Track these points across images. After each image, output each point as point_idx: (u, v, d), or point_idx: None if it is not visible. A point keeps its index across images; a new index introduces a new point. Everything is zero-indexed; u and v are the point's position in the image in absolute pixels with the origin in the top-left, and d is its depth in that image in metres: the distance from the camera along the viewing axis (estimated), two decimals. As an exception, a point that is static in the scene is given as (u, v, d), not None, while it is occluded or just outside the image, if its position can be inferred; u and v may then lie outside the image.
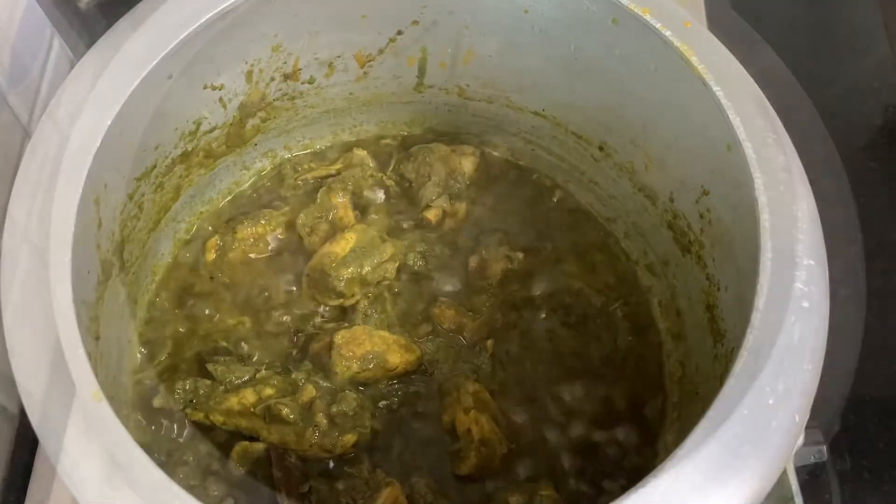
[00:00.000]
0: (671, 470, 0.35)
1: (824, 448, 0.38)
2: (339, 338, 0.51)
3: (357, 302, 0.54)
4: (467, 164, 0.60)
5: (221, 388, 0.51)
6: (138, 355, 0.53)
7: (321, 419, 0.49)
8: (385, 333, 0.52)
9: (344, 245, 0.54)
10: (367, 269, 0.54)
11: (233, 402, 0.50)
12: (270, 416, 0.49)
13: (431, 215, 0.57)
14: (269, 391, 0.50)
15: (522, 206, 0.60)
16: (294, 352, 0.53)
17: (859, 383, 0.39)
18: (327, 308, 0.55)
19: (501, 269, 0.56)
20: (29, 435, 0.58)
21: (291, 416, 0.49)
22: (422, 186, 0.58)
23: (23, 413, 0.59)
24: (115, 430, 0.35)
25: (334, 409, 0.49)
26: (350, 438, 0.49)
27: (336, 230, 0.56)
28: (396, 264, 0.55)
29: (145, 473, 0.35)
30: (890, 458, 0.59)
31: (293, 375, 0.51)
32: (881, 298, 0.43)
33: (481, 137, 0.62)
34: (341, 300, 0.54)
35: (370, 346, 0.51)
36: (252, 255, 0.57)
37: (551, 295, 0.56)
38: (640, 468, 0.49)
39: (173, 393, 0.50)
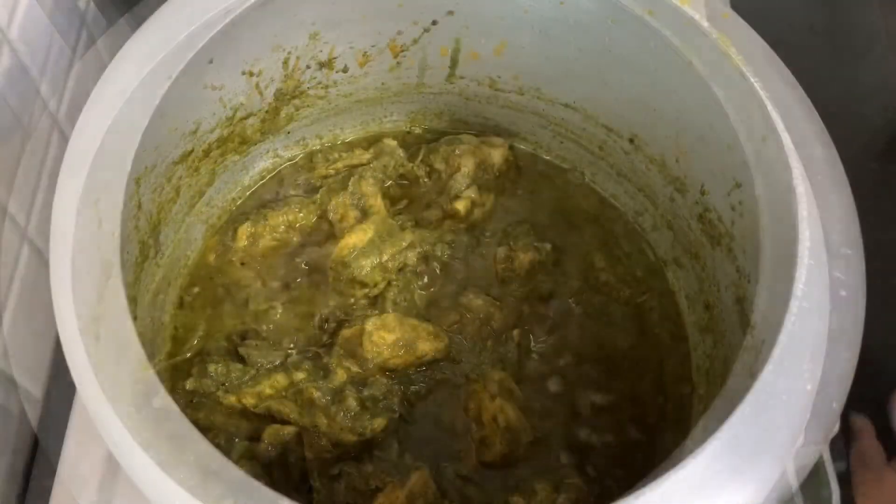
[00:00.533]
0: (711, 453, 0.35)
1: (824, 448, 0.38)
2: (369, 325, 0.51)
3: (382, 291, 0.54)
4: (497, 156, 0.60)
5: (253, 371, 0.51)
6: (170, 339, 0.54)
7: (351, 403, 0.49)
8: (414, 321, 0.53)
9: (362, 236, 0.55)
10: (385, 257, 0.54)
11: (264, 385, 0.50)
12: (302, 399, 0.49)
13: (461, 206, 0.58)
14: (300, 375, 0.50)
15: (548, 198, 0.61)
16: (325, 337, 0.53)
17: (858, 383, 0.39)
18: (354, 297, 0.55)
19: (529, 261, 0.56)
20: (29, 435, 0.58)
21: (323, 400, 0.49)
22: (451, 177, 0.59)
23: (23, 413, 0.59)
24: (165, 403, 0.36)
25: (365, 393, 0.50)
26: (380, 422, 0.49)
27: (366, 218, 0.57)
28: (417, 251, 0.56)
29: (146, 473, 0.35)
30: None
31: (324, 360, 0.51)
32: (880, 299, 0.43)
33: (512, 128, 0.63)
34: (366, 290, 0.54)
35: (400, 333, 0.52)
36: (283, 242, 0.57)
37: (577, 287, 0.57)
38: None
39: (206, 376, 0.51)
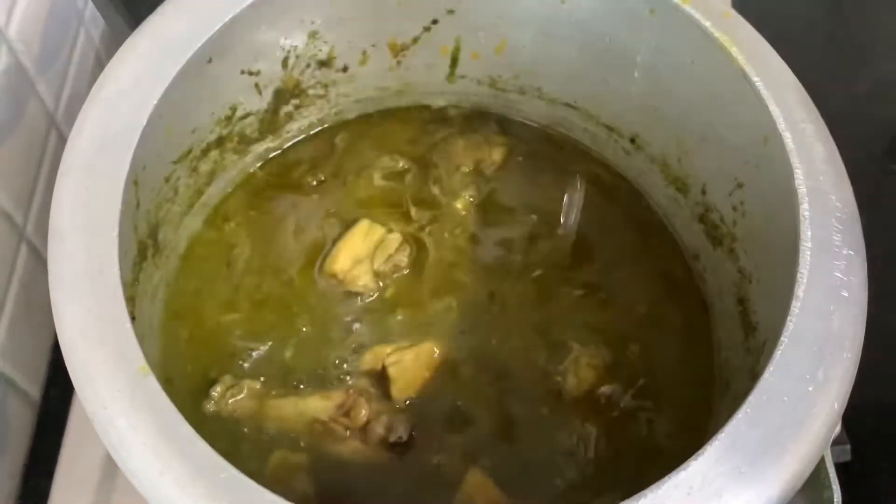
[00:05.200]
0: (712, 454, 0.35)
1: (825, 449, 0.38)
2: (390, 366, 0.50)
3: (380, 294, 0.54)
4: (496, 154, 0.60)
5: (265, 388, 0.50)
6: (167, 343, 0.52)
7: (377, 429, 0.49)
8: (427, 346, 0.52)
9: (351, 246, 0.54)
10: (377, 263, 0.54)
11: (285, 408, 0.49)
12: (325, 429, 0.49)
13: (460, 205, 0.58)
14: (318, 403, 0.49)
15: (551, 197, 0.60)
16: (343, 365, 0.52)
17: (858, 384, 0.39)
18: (351, 308, 0.54)
19: (519, 236, 0.56)
20: (49, 421, 0.58)
21: (346, 434, 0.48)
22: (450, 176, 0.59)
23: (44, 399, 0.59)
24: (163, 405, 0.36)
25: (389, 422, 0.49)
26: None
27: (357, 221, 0.56)
28: (407, 252, 0.55)
29: (144, 474, 0.35)
30: (888, 457, 0.59)
31: (342, 389, 0.50)
32: (881, 299, 0.44)
33: (511, 127, 0.62)
34: (360, 296, 0.54)
35: (418, 364, 0.51)
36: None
37: (579, 286, 0.56)
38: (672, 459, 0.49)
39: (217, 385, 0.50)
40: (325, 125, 0.61)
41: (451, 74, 0.60)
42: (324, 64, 0.56)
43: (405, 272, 0.55)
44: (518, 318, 0.54)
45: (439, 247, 0.56)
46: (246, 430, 0.49)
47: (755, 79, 0.45)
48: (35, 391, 0.59)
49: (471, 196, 0.58)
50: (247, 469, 0.35)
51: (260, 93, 0.55)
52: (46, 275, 0.39)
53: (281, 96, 0.56)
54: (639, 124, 0.56)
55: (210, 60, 0.48)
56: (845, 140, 0.46)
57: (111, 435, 0.35)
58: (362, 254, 0.54)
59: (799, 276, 0.39)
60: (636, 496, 0.34)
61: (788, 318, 0.38)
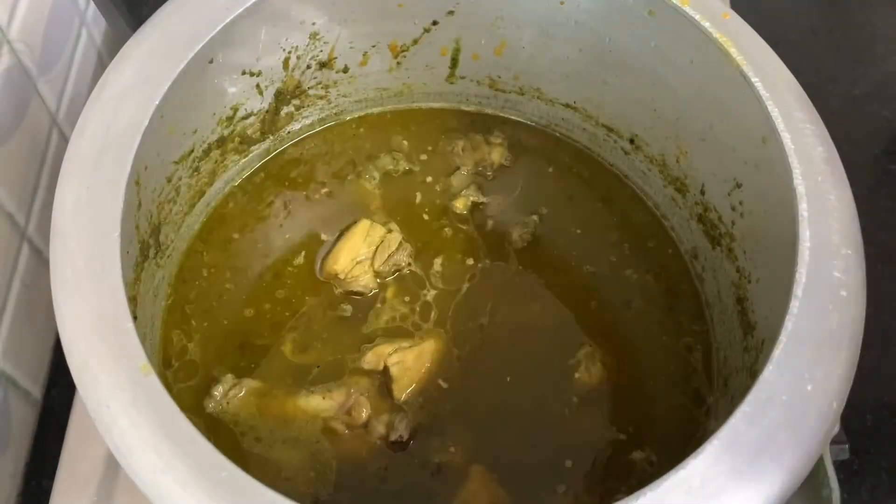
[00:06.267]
0: (711, 453, 0.35)
1: (824, 448, 0.39)
2: (392, 366, 0.50)
3: (378, 293, 0.54)
4: (496, 155, 0.60)
5: (266, 386, 0.50)
6: (168, 343, 0.53)
7: (378, 427, 0.49)
8: (429, 345, 0.52)
9: (351, 245, 0.55)
10: (378, 263, 0.54)
11: (286, 407, 0.49)
12: (326, 428, 0.49)
13: (460, 205, 0.58)
14: (320, 402, 0.49)
15: (551, 197, 0.60)
16: (344, 364, 0.52)
17: (857, 383, 0.40)
18: (351, 306, 0.54)
19: (520, 236, 0.56)
20: (51, 420, 0.59)
21: (346, 432, 0.49)
22: (450, 176, 0.59)
23: (45, 398, 0.60)
24: (165, 403, 0.36)
25: (390, 421, 0.49)
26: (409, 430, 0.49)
27: (359, 221, 0.56)
28: (408, 252, 0.55)
29: (146, 473, 0.35)
30: (888, 457, 0.59)
31: (343, 388, 0.50)
32: (879, 299, 0.44)
33: (512, 128, 0.62)
34: (362, 295, 0.54)
35: (419, 363, 0.51)
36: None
37: (580, 288, 0.56)
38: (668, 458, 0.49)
39: (218, 384, 0.50)
40: (326, 126, 0.61)
41: (451, 75, 0.60)
42: (324, 65, 0.56)
43: (406, 272, 0.55)
44: (519, 318, 0.54)
45: (440, 246, 0.57)
46: (247, 428, 0.49)
47: (754, 79, 0.45)
48: (37, 390, 0.59)
49: (471, 196, 0.58)
50: (248, 467, 0.35)
51: (261, 93, 0.55)
52: (48, 274, 0.39)
53: (282, 97, 0.56)
54: (638, 125, 0.56)
55: (211, 61, 0.48)
56: (844, 140, 0.46)
57: (113, 434, 0.36)
58: (363, 254, 0.54)
59: (797, 275, 0.39)
60: (635, 494, 0.34)
61: (787, 317, 0.38)
